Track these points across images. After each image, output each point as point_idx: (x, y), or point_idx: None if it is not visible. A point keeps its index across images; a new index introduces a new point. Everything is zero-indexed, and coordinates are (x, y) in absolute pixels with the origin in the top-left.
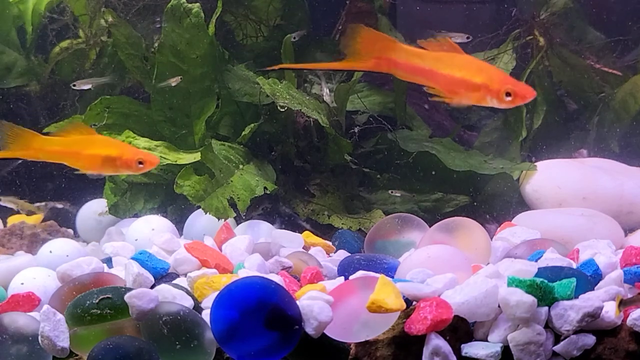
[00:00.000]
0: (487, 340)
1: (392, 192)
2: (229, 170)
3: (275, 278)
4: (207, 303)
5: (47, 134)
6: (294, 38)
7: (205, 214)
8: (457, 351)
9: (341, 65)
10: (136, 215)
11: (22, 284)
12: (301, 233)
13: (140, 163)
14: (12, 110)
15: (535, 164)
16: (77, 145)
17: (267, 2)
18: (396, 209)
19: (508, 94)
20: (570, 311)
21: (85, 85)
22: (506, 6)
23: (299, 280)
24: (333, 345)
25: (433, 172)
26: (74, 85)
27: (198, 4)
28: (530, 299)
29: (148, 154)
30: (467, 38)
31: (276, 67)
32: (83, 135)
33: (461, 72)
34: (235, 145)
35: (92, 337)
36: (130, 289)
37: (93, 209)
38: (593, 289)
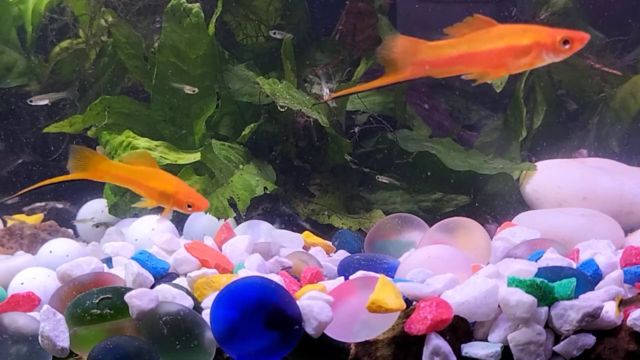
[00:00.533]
0: (487, 340)
1: (379, 177)
2: (229, 170)
3: (275, 278)
4: (207, 303)
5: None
6: (273, 33)
7: (205, 214)
8: (457, 351)
9: (383, 80)
10: (136, 215)
11: (22, 284)
12: (301, 233)
13: (189, 206)
14: (12, 110)
15: (535, 164)
16: (140, 176)
17: (267, 2)
18: (396, 209)
19: (565, 42)
20: (570, 311)
21: (42, 101)
22: (506, 6)
23: (299, 280)
24: (333, 345)
25: (433, 172)
26: (31, 101)
27: (198, 4)
28: (530, 299)
29: (199, 198)
30: None
31: (329, 99)
32: (147, 167)
33: (504, 40)
34: (235, 145)
35: (92, 337)
36: (130, 289)
37: (93, 209)
38: (593, 289)
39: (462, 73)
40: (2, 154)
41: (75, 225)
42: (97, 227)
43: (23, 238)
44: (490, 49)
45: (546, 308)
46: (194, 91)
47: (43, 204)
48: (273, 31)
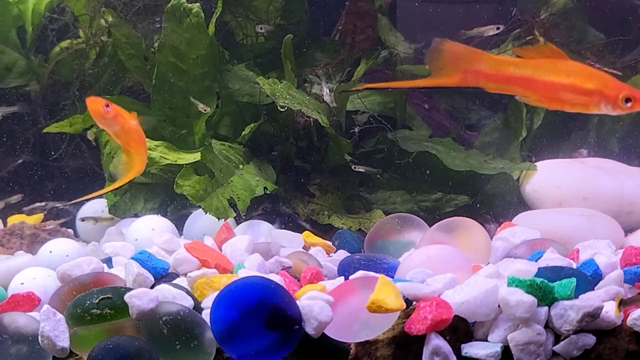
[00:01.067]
0: (487, 340)
1: (355, 167)
2: (229, 170)
3: (275, 278)
4: (207, 303)
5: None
6: (260, 28)
7: (205, 214)
8: (457, 351)
9: (428, 82)
10: (136, 215)
11: (22, 284)
12: (301, 233)
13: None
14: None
15: (535, 164)
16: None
17: (267, 2)
18: (396, 209)
19: (628, 100)
20: (570, 311)
21: None
22: (506, 6)
23: (299, 280)
24: (333, 345)
25: (433, 172)
26: None
27: (198, 4)
28: (530, 299)
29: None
30: (497, 29)
31: (362, 88)
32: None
33: (570, 78)
34: (235, 145)
35: (92, 337)
36: (130, 289)
37: (93, 209)
38: (593, 289)
39: (516, 94)
40: (2, 154)
41: (75, 225)
42: (83, 220)
43: (23, 238)
44: (554, 81)
45: (546, 308)
46: (205, 110)
47: (43, 204)
48: (260, 26)
